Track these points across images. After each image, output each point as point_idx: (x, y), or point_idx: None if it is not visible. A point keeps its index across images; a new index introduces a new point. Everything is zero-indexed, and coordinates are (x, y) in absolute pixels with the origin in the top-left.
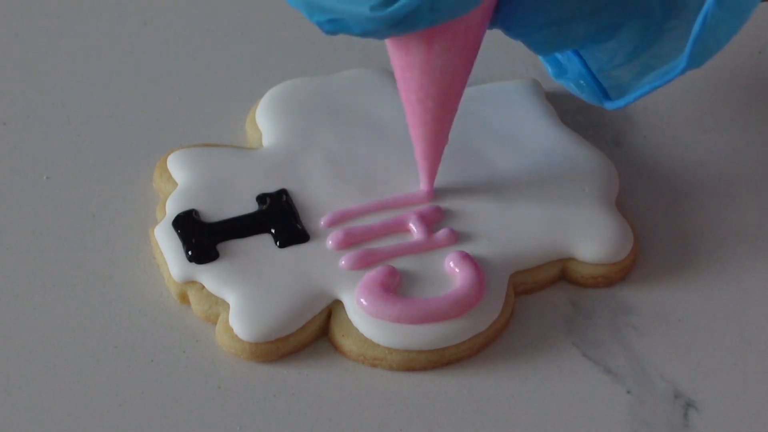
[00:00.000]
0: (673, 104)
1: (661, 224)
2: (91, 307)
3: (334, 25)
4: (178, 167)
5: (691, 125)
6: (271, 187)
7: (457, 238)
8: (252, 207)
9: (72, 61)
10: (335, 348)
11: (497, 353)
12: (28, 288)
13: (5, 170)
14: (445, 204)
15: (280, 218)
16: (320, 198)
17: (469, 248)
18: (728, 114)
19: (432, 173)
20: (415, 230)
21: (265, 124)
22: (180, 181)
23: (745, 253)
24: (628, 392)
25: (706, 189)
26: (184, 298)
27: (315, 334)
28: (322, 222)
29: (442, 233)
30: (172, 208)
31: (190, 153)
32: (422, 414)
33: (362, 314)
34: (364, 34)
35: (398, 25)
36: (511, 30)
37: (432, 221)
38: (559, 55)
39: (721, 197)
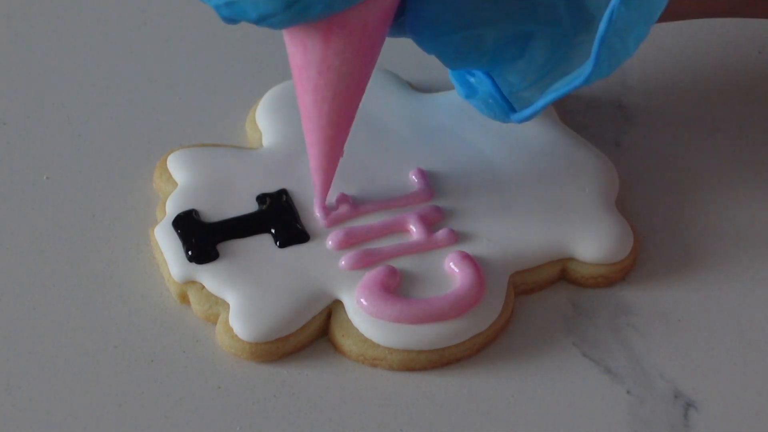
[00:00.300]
0: (673, 104)
1: (661, 224)
2: (91, 307)
3: (231, 9)
4: (178, 167)
5: (691, 125)
6: (271, 187)
7: (457, 238)
8: (252, 207)
9: (72, 61)
10: (335, 348)
11: (497, 353)
12: (28, 288)
13: (5, 170)
14: (445, 204)
15: (280, 218)
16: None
17: (469, 248)
18: (728, 114)
19: (325, 187)
20: (415, 230)
21: (265, 124)
22: (180, 181)
23: (745, 253)
24: (628, 392)
25: (706, 189)
26: (184, 298)
27: (315, 334)
28: (319, 214)
29: (442, 233)
30: (172, 208)
31: (190, 153)
32: (422, 414)
33: (362, 314)
34: (261, 18)
35: (293, 5)
36: (418, 35)
37: (432, 221)
38: (471, 79)
39: (721, 197)
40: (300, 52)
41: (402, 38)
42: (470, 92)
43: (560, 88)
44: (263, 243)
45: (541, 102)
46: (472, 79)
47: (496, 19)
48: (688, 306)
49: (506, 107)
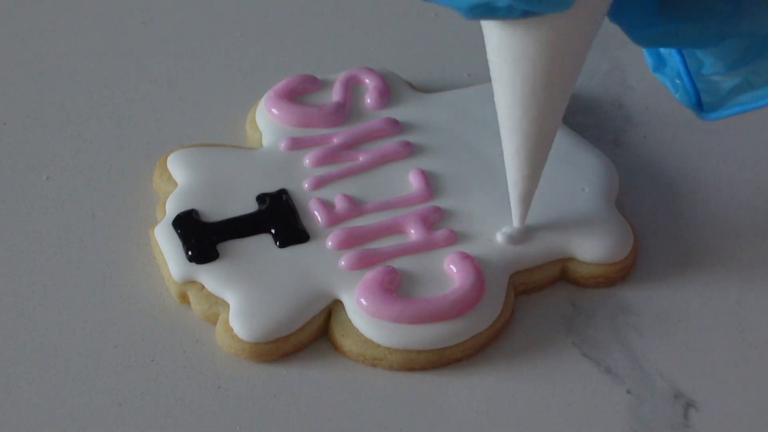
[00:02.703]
0: (673, 104)
1: (661, 224)
2: (91, 307)
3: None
4: (178, 167)
5: (691, 125)
6: (271, 187)
7: (457, 238)
8: (252, 207)
9: (72, 61)
10: (335, 348)
11: (497, 353)
12: (28, 288)
13: (5, 170)
14: (445, 204)
15: (280, 218)
16: (320, 198)
17: (469, 248)
18: None
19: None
20: (415, 230)
21: (265, 124)
22: (180, 181)
23: (744, 254)
24: (628, 392)
25: (706, 189)
26: (184, 298)
27: (315, 334)
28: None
29: (441, 233)
30: (172, 208)
31: (190, 153)
32: (422, 414)
33: (362, 314)
34: (509, 9)
35: None
36: (622, 21)
37: (432, 221)
38: (662, 49)
39: (721, 197)
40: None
41: (404, 39)
42: (659, 64)
43: (751, 101)
44: (263, 243)
45: (730, 111)
46: (662, 50)
47: (699, 18)
48: (688, 306)
49: (693, 94)
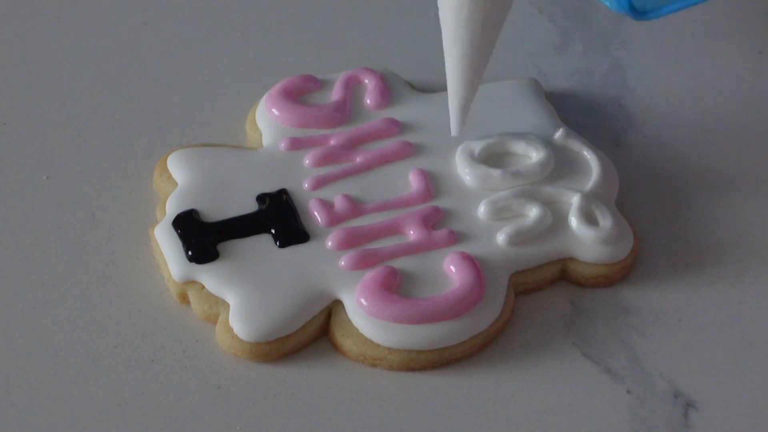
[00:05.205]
0: (673, 104)
1: (661, 224)
2: (91, 307)
3: None
4: (178, 167)
5: (691, 125)
6: (271, 187)
7: (457, 238)
8: (252, 207)
9: (72, 61)
10: (335, 348)
11: (497, 353)
12: (27, 288)
13: (5, 170)
14: (445, 204)
15: (280, 218)
16: (320, 198)
17: (469, 248)
18: (728, 114)
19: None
20: (415, 231)
21: (265, 124)
22: (180, 181)
23: (745, 253)
24: (628, 392)
25: (706, 189)
26: (184, 298)
27: (315, 334)
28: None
29: (441, 233)
30: (172, 208)
31: (190, 153)
32: (422, 414)
33: (362, 314)
34: None
35: None
36: None
37: (432, 221)
38: None
39: (721, 197)
40: None
41: (404, 39)
42: None
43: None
44: (263, 243)
45: (668, 9)
46: None
47: None
48: (688, 306)
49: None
